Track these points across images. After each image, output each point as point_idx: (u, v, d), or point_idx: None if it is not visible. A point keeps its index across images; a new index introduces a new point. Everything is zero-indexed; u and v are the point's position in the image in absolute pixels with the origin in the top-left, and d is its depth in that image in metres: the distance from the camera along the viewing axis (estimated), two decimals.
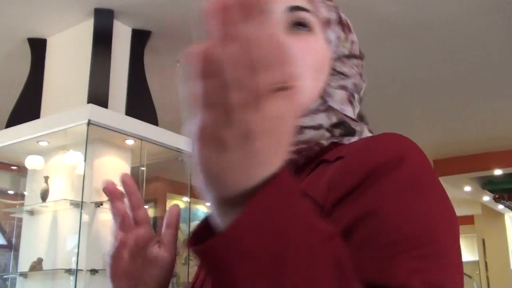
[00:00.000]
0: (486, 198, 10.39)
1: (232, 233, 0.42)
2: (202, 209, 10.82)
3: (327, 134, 0.76)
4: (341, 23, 0.83)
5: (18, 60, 4.88)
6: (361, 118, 0.85)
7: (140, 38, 4.49)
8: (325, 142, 0.75)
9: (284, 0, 0.78)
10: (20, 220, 4.45)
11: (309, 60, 0.77)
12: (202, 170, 0.43)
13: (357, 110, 0.82)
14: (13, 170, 4.90)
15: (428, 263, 0.54)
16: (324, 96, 0.78)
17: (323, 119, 0.76)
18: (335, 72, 0.80)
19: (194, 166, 0.44)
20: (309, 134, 0.74)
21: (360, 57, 0.84)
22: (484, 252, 12.83)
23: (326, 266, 0.43)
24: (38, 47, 4.63)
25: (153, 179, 6.43)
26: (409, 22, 4.46)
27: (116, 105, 4.15)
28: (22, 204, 4.37)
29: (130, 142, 4.10)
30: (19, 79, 4.65)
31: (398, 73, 5.48)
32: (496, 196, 9.68)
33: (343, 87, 0.80)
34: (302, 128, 0.74)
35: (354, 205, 0.58)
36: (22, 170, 4.42)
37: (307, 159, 0.75)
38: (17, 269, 4.20)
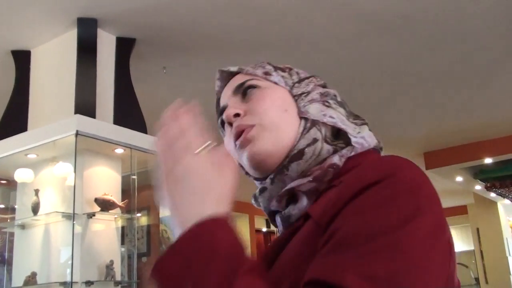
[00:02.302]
0: (478, 187, 10.43)
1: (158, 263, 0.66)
2: None
3: (329, 147, 0.87)
4: (278, 69, 0.97)
5: (2, 73, 4.83)
6: (356, 117, 0.97)
7: (125, 46, 4.46)
8: (338, 162, 0.85)
9: (230, 86, 0.97)
10: (11, 234, 4.40)
11: (271, 105, 0.89)
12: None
13: (340, 111, 0.93)
14: (2, 184, 4.85)
15: (375, 258, 0.61)
16: (303, 116, 0.90)
17: (315, 133, 0.87)
18: (297, 96, 0.93)
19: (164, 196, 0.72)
20: (309, 152, 0.86)
21: (309, 76, 0.98)
22: (479, 241, 12.90)
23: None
24: (22, 59, 4.58)
25: (145, 187, 6.36)
26: (393, 15, 4.46)
27: (104, 114, 4.12)
28: (13, 218, 4.33)
29: (119, 151, 4.07)
30: (4, 92, 4.60)
31: (385, 66, 5.49)
32: (488, 185, 9.73)
33: (311, 101, 0.92)
34: (301, 151, 0.86)
35: (334, 223, 0.68)
36: (11, 184, 4.37)
37: (329, 182, 0.84)
38: (11, 284, 4.16)
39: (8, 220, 4.59)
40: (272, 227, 12.37)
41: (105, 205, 3.90)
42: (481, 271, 12.82)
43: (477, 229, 12.95)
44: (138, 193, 4.46)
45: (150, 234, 9.37)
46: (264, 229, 12.46)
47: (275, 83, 0.94)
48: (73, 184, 3.75)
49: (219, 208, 0.70)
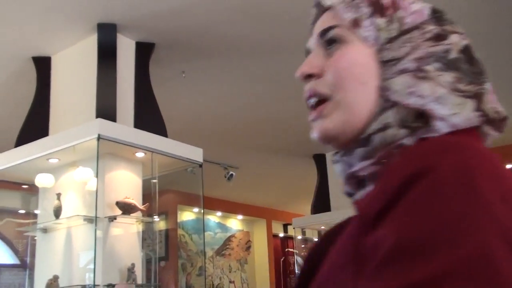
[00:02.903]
0: None
1: None
2: (213, 219, 10.83)
3: (403, 131, 0.70)
4: (378, 9, 0.78)
5: (24, 79, 4.89)
6: (474, 80, 0.73)
7: (144, 51, 4.49)
8: (406, 141, 0.70)
9: (319, 26, 0.82)
10: (33, 238, 4.44)
11: (349, 74, 0.76)
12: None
13: (443, 80, 0.71)
14: (23, 189, 4.89)
15: (415, 264, 0.51)
16: (383, 94, 0.73)
17: (390, 117, 0.71)
18: (384, 63, 0.75)
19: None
20: (377, 139, 0.72)
21: (413, 27, 0.76)
22: None
23: None
24: (43, 65, 4.64)
25: (164, 191, 6.41)
26: None
27: (124, 118, 4.15)
28: (35, 223, 4.37)
29: (140, 154, 4.09)
30: (26, 98, 4.66)
31: None
32: None
33: (401, 71, 0.73)
34: (369, 137, 0.72)
35: (378, 230, 0.58)
36: (32, 189, 4.41)
37: (379, 163, 0.72)
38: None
39: (30, 225, 4.63)
40: (290, 232, 12.35)
41: (127, 209, 3.92)
42: None
43: None
44: (158, 197, 4.48)
45: (168, 239, 9.45)
46: (282, 234, 12.43)
47: (364, 38, 0.77)
48: (94, 189, 3.78)
49: None
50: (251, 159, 8.23)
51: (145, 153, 4.07)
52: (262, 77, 5.39)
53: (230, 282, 10.93)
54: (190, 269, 9.96)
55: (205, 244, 5.78)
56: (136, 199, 4.06)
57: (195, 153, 4.35)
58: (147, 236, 4.62)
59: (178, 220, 9.90)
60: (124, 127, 3.96)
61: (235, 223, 11.48)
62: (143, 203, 4.15)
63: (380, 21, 0.76)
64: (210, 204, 9.46)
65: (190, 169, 4.47)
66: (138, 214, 4.08)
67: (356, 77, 0.75)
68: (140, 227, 4.22)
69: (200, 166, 4.34)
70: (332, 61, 0.77)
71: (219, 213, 10.73)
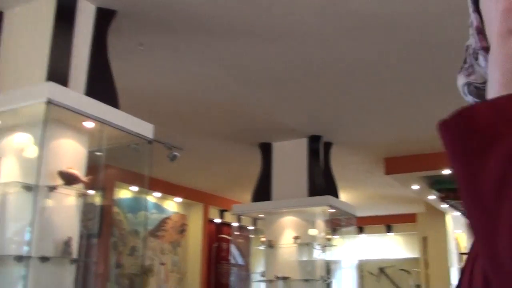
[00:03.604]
0: (432, 197, 10.61)
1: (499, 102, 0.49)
2: (150, 200, 10.64)
3: None
4: None
5: None
6: None
7: (104, 17, 4.29)
8: None
9: None
10: None
11: None
12: None
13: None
14: None
15: None
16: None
17: None
18: None
19: None
20: None
21: None
22: (425, 250, 13.15)
23: None
24: None
25: (106, 166, 6.16)
26: (379, 18, 4.44)
27: (76, 85, 3.96)
28: None
29: (88, 124, 3.91)
30: None
31: (363, 68, 5.48)
32: (443, 195, 9.90)
33: None
34: None
35: None
36: None
37: None
38: None
39: None
40: (226, 218, 12.29)
41: (69, 179, 3.75)
42: (424, 279, 13.08)
43: (424, 238, 13.20)
44: (96, 172, 4.29)
45: (103, 216, 9.20)
46: (217, 220, 12.37)
47: None
48: (31, 156, 3.59)
49: None
50: (197, 142, 8.10)
51: (94, 124, 3.89)
52: (221, 60, 5.28)
53: (161, 264, 10.79)
54: (121, 248, 9.75)
55: (146, 225, 5.65)
56: (79, 170, 3.88)
57: (146, 129, 4.20)
58: (85, 210, 4.44)
59: (114, 198, 9.66)
60: (75, 94, 3.78)
61: (172, 205, 11.32)
62: (87, 175, 3.98)
63: None
64: (149, 184, 9.28)
65: (133, 145, 4.32)
66: (80, 186, 3.90)
67: None
68: (80, 200, 4.04)
69: (150, 142, 4.20)
70: None
71: (157, 194, 10.55)
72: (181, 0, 4.22)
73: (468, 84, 0.74)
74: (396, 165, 8.91)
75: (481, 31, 0.69)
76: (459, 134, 0.52)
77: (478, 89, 0.72)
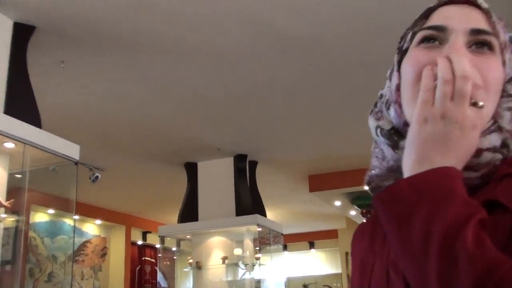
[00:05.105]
0: (353, 212, 10.84)
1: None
2: (69, 223, 10.21)
3: (499, 156, 0.78)
4: (509, 45, 0.85)
5: None
6: None
7: (23, 33, 4.08)
8: (497, 162, 0.78)
9: (465, 21, 0.81)
10: None
11: (491, 80, 0.78)
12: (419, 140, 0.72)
13: None
14: None
15: None
16: (496, 117, 0.79)
17: (496, 140, 0.78)
18: (505, 94, 0.81)
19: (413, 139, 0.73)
20: (487, 156, 0.77)
21: None
22: (347, 265, 13.41)
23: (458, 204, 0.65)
24: None
25: (16, 189, 5.81)
26: (305, 37, 4.48)
27: None
28: None
29: (9, 145, 3.69)
30: None
31: (288, 85, 5.52)
32: (364, 211, 10.13)
33: (510, 109, 0.80)
34: (480, 151, 0.76)
35: None
36: None
37: (483, 178, 0.78)
38: None
39: None
40: (148, 241, 12.01)
41: None
42: None
43: (346, 253, 13.46)
44: (17, 194, 4.04)
45: (16, 240, 8.72)
46: (140, 242, 12.06)
47: (501, 49, 0.81)
48: None
49: (458, 166, 0.70)
50: (120, 162, 7.87)
51: (15, 144, 3.67)
52: (143, 78, 5.15)
53: None
54: (38, 275, 9.28)
55: (72, 249, 5.40)
56: None
57: (71, 149, 4.02)
58: (4, 236, 4.18)
59: (30, 222, 9.20)
60: None
61: (92, 227, 10.93)
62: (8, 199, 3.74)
63: (510, 55, 0.83)
64: (66, 206, 8.91)
65: (52, 167, 4.14)
66: (1, 210, 3.66)
67: (496, 94, 0.79)
68: (0, 225, 3.79)
69: (76, 164, 4.01)
70: (484, 72, 0.77)
71: (76, 217, 10.14)
72: (101, 18, 4.08)
73: (380, 128, 0.87)
74: (320, 182, 9.04)
75: (399, 89, 0.83)
76: (390, 203, 0.68)
77: (388, 133, 0.85)
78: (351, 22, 4.29)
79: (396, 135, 0.83)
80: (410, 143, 0.72)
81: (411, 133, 0.72)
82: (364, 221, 0.98)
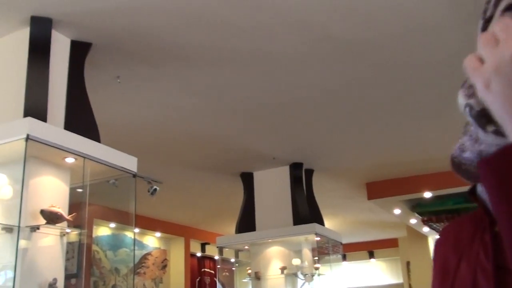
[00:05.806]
0: (414, 220, 10.58)
1: None
2: (130, 236, 10.40)
3: None
4: None
5: None
6: None
7: (79, 50, 4.19)
8: None
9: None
10: None
11: None
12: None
13: None
14: None
15: None
16: None
17: None
18: None
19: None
20: None
21: None
22: (409, 275, 13.08)
23: None
24: None
25: (80, 203, 5.97)
26: (356, 41, 4.42)
27: (55, 120, 3.83)
28: None
29: (70, 160, 3.78)
30: None
31: (342, 92, 5.45)
32: (425, 219, 9.87)
33: None
34: None
35: None
36: None
37: None
38: None
39: None
40: (207, 251, 12.08)
41: (52, 218, 3.59)
42: None
43: (407, 263, 13.14)
44: (78, 208, 4.14)
45: (80, 255, 8.93)
46: (199, 254, 12.15)
47: None
48: (6, 197, 3.44)
49: None
50: (177, 174, 7.97)
51: (75, 159, 3.76)
52: (198, 90, 5.20)
53: None
54: None
55: (134, 262, 5.48)
56: (62, 208, 3.73)
57: (129, 162, 4.08)
58: (69, 249, 4.27)
59: (94, 235, 9.42)
60: (56, 129, 3.65)
61: (152, 240, 11.10)
62: (70, 213, 3.83)
63: None
64: (127, 220, 9.07)
65: (112, 181, 4.20)
66: (63, 224, 3.75)
67: None
68: (64, 239, 3.88)
69: (134, 176, 4.07)
70: None
71: (136, 230, 10.32)
72: (155, 31, 4.15)
73: (470, 107, 0.71)
74: (378, 189, 8.88)
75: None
76: (505, 173, 0.54)
77: (478, 115, 0.69)
78: (403, 22, 4.20)
79: (485, 118, 0.70)
80: None
81: None
82: (448, 224, 0.90)
